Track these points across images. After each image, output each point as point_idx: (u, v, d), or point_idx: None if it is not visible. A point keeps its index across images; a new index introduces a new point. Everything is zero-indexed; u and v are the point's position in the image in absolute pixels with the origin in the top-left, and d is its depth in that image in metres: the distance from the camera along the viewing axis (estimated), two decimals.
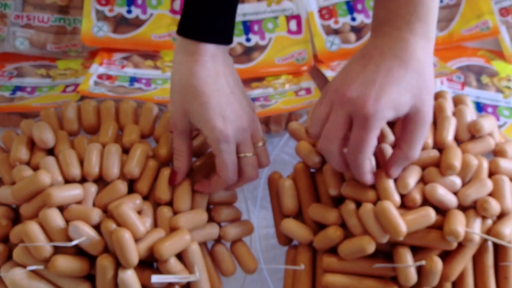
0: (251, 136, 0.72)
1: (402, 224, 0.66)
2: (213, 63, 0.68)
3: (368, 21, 1.06)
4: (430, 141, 0.75)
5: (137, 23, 1.02)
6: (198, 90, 0.66)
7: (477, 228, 0.69)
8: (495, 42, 1.10)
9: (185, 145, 0.72)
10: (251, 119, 0.72)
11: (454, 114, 0.79)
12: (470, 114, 0.78)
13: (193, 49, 0.66)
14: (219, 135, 0.67)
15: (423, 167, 0.73)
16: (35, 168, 0.73)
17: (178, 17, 1.01)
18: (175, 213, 0.73)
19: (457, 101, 0.82)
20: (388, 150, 0.73)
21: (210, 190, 0.73)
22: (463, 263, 0.70)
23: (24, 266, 0.66)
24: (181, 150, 0.72)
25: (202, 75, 0.66)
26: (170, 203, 0.74)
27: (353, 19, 1.07)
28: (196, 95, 0.66)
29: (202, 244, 0.75)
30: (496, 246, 0.72)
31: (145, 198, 0.75)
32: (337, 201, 0.75)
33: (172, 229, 0.71)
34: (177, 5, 1.02)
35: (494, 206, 0.69)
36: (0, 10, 1.03)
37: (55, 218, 0.66)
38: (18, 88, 0.95)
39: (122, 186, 0.71)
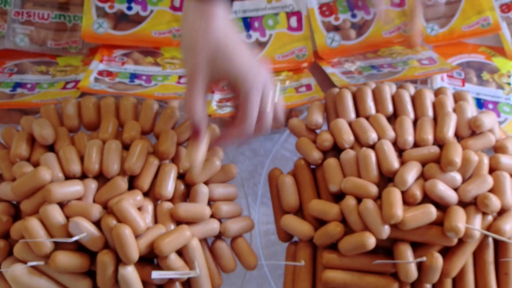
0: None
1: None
2: (225, 21, 0.70)
3: (368, 17, 1.06)
4: (430, 137, 0.75)
5: (137, 19, 1.02)
6: (222, 43, 0.69)
7: (477, 224, 0.69)
8: (496, 38, 1.09)
9: (204, 99, 0.73)
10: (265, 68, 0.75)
11: (455, 110, 0.79)
12: (471, 110, 0.78)
13: (207, 9, 0.69)
14: (251, 84, 0.70)
15: (424, 163, 0.73)
16: (36, 165, 0.73)
17: (178, 13, 1.01)
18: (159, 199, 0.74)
19: (458, 97, 0.82)
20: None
21: (231, 138, 0.75)
22: (464, 259, 0.70)
23: (24, 262, 0.66)
24: (200, 104, 0.72)
25: (223, 30, 0.69)
26: (170, 200, 0.75)
27: (354, 15, 1.07)
28: (220, 48, 0.69)
29: (203, 240, 0.75)
30: (497, 242, 0.72)
31: (145, 194, 0.75)
32: (338, 197, 0.75)
33: (172, 220, 0.72)
34: (177, 2, 1.02)
35: (495, 202, 0.69)
36: (0, 6, 1.03)
37: (56, 214, 0.67)
38: (18, 85, 0.95)
39: (123, 182, 0.71)
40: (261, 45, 1.03)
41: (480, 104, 0.98)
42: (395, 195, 0.68)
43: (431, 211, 0.68)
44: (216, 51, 0.69)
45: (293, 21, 1.05)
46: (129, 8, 1.02)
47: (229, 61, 0.70)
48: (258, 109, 0.72)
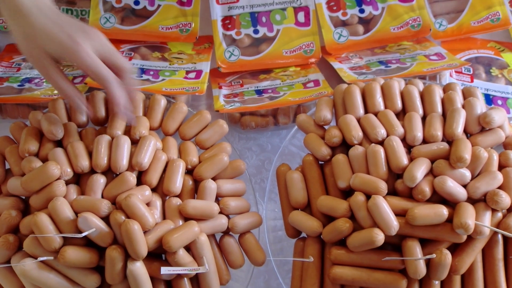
0: None
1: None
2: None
3: (376, 13, 1.06)
4: (439, 133, 0.75)
5: (144, 14, 1.01)
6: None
7: (486, 221, 0.69)
8: (505, 33, 1.09)
9: (60, 75, 0.72)
10: None
11: (464, 106, 0.78)
12: (480, 106, 0.78)
13: None
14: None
15: (433, 160, 0.72)
16: (44, 160, 0.73)
17: (186, 8, 1.01)
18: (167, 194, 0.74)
19: (467, 93, 0.81)
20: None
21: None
22: (473, 256, 0.70)
23: (34, 257, 0.66)
24: (60, 82, 0.72)
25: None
26: (178, 195, 0.75)
27: (362, 10, 1.06)
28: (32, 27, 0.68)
29: (211, 236, 0.75)
30: (506, 239, 0.71)
31: (154, 189, 0.75)
32: (346, 194, 0.75)
33: (181, 215, 0.72)
34: None
35: (505, 199, 0.69)
36: None
37: (64, 209, 0.67)
38: (26, 80, 0.95)
39: (131, 178, 0.71)
40: (269, 40, 1.02)
41: (489, 100, 0.98)
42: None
43: (443, 213, 0.68)
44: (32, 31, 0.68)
45: (301, 16, 1.04)
46: (136, 3, 1.02)
47: (46, 37, 0.68)
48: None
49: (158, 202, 0.73)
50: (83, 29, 0.71)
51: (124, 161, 0.73)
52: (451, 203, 0.71)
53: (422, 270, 0.68)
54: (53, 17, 0.69)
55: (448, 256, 0.68)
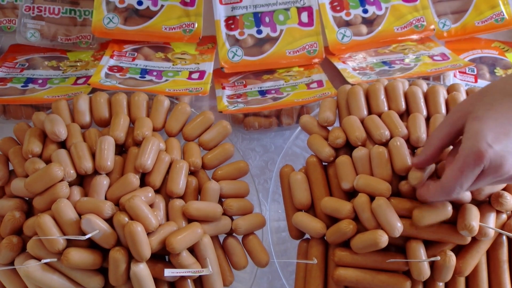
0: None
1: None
2: None
3: (380, 13, 1.05)
4: None
5: (147, 14, 1.01)
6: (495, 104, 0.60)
7: (491, 222, 0.68)
8: (510, 33, 1.08)
9: (442, 145, 0.66)
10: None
11: None
12: None
13: None
14: (476, 155, 0.58)
15: (437, 161, 0.72)
16: (48, 161, 0.73)
17: (189, 8, 1.01)
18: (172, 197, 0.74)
19: None
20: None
21: (427, 196, 0.67)
22: (477, 257, 0.69)
23: (37, 258, 0.66)
24: (437, 147, 0.66)
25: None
26: (182, 196, 0.75)
27: (365, 11, 1.06)
28: (492, 106, 0.60)
29: (214, 237, 0.75)
30: (511, 241, 0.71)
31: (157, 191, 0.75)
32: (350, 195, 0.75)
33: (184, 217, 0.71)
34: None
35: (509, 201, 0.68)
36: (11, 1, 1.03)
37: (68, 211, 0.67)
38: (29, 80, 0.95)
39: (135, 179, 0.71)
40: (272, 40, 1.02)
41: None
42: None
43: (448, 210, 0.67)
44: (490, 105, 0.59)
45: (304, 16, 1.04)
46: (140, 3, 1.02)
47: (485, 119, 0.59)
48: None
49: (161, 203, 0.73)
50: None
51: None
52: (456, 205, 0.71)
53: (426, 272, 0.68)
54: None
55: (452, 258, 0.67)
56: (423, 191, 0.67)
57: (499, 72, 1.02)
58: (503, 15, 1.05)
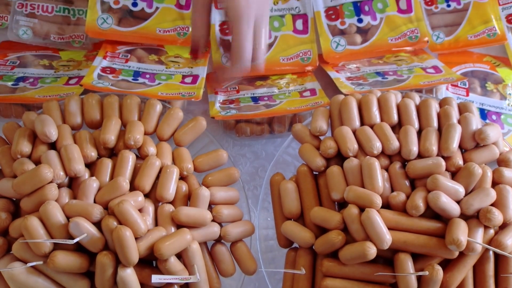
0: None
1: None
2: None
3: (374, 23, 1.06)
4: (434, 148, 0.75)
5: (142, 16, 1.01)
6: None
7: (479, 237, 0.69)
8: (501, 48, 1.09)
9: (205, 18, 0.74)
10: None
11: (459, 121, 0.78)
12: (476, 122, 0.78)
13: None
14: (242, 11, 0.68)
15: (427, 175, 0.72)
16: (37, 162, 0.72)
17: (184, 11, 1.01)
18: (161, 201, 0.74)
19: (463, 109, 0.81)
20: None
21: (230, 75, 0.76)
22: (464, 272, 0.70)
23: (23, 261, 0.65)
24: (201, 20, 0.74)
25: None
26: (171, 201, 0.74)
27: (360, 20, 1.06)
28: None
29: (203, 244, 0.74)
30: (497, 256, 0.72)
31: (146, 195, 0.74)
32: (340, 205, 0.75)
33: (173, 222, 0.71)
34: (183, 0, 1.01)
35: (497, 217, 0.69)
36: None
37: (56, 214, 0.66)
38: (20, 79, 0.94)
39: (124, 183, 0.71)
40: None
41: (484, 114, 0.98)
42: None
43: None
44: None
45: (299, 24, 1.04)
46: (134, 4, 1.01)
47: None
48: (251, 42, 0.70)
49: (150, 208, 0.72)
50: None
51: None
52: (444, 219, 0.71)
53: (413, 285, 0.68)
54: None
55: (439, 271, 0.68)
56: (226, 72, 0.75)
57: (490, 86, 1.03)
58: (496, 30, 1.06)
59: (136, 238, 0.66)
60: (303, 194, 0.76)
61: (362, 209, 0.70)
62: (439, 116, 0.80)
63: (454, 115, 0.79)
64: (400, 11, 1.07)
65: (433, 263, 0.69)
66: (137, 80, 0.93)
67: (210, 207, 0.76)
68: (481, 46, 1.08)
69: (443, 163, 0.73)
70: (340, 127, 0.77)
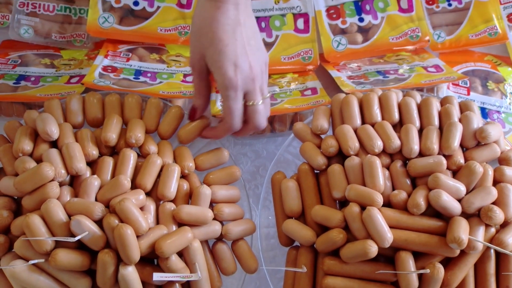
0: (260, 88, 0.75)
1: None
2: (235, 12, 0.70)
3: (375, 22, 1.06)
4: (436, 147, 0.75)
5: (143, 15, 1.01)
6: (216, 37, 0.69)
7: (480, 236, 0.69)
8: (503, 47, 1.09)
9: (203, 84, 0.75)
10: (262, 71, 0.74)
11: (461, 120, 0.78)
12: (477, 121, 0.78)
13: (216, 4, 0.69)
14: (228, 83, 0.70)
15: (428, 173, 0.72)
16: (38, 160, 0.72)
17: (185, 11, 1.01)
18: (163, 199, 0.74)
19: (464, 107, 0.81)
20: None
21: (217, 135, 0.78)
22: (465, 270, 0.70)
23: (24, 258, 0.65)
24: (199, 88, 0.76)
25: (223, 22, 0.69)
26: (172, 200, 0.74)
27: (361, 19, 1.06)
28: (213, 41, 0.69)
29: (204, 242, 0.74)
30: (498, 255, 0.72)
31: (148, 194, 0.74)
32: (341, 204, 0.75)
33: (174, 221, 0.71)
34: None
35: (499, 215, 0.69)
36: None
37: (57, 212, 0.66)
38: (22, 77, 0.94)
39: (126, 182, 0.71)
40: (267, 46, 1.02)
41: (485, 113, 0.98)
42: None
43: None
44: (209, 45, 0.69)
45: (300, 23, 1.04)
46: (136, 3, 1.01)
47: (214, 56, 0.69)
48: (241, 108, 0.72)
49: (152, 206, 0.73)
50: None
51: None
52: (445, 217, 0.71)
53: (414, 283, 0.68)
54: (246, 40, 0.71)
55: (440, 270, 0.68)
56: (212, 132, 0.78)
57: (491, 85, 1.03)
58: (497, 29, 1.06)
59: (137, 236, 0.66)
60: (304, 192, 0.76)
61: (363, 208, 0.70)
62: (440, 114, 0.80)
63: (455, 113, 0.79)
64: (401, 10, 1.07)
65: (434, 261, 0.69)
66: (139, 78, 0.93)
67: (211, 206, 0.76)
68: (482, 45, 1.08)
69: (444, 161, 0.73)
70: (341, 126, 0.77)
